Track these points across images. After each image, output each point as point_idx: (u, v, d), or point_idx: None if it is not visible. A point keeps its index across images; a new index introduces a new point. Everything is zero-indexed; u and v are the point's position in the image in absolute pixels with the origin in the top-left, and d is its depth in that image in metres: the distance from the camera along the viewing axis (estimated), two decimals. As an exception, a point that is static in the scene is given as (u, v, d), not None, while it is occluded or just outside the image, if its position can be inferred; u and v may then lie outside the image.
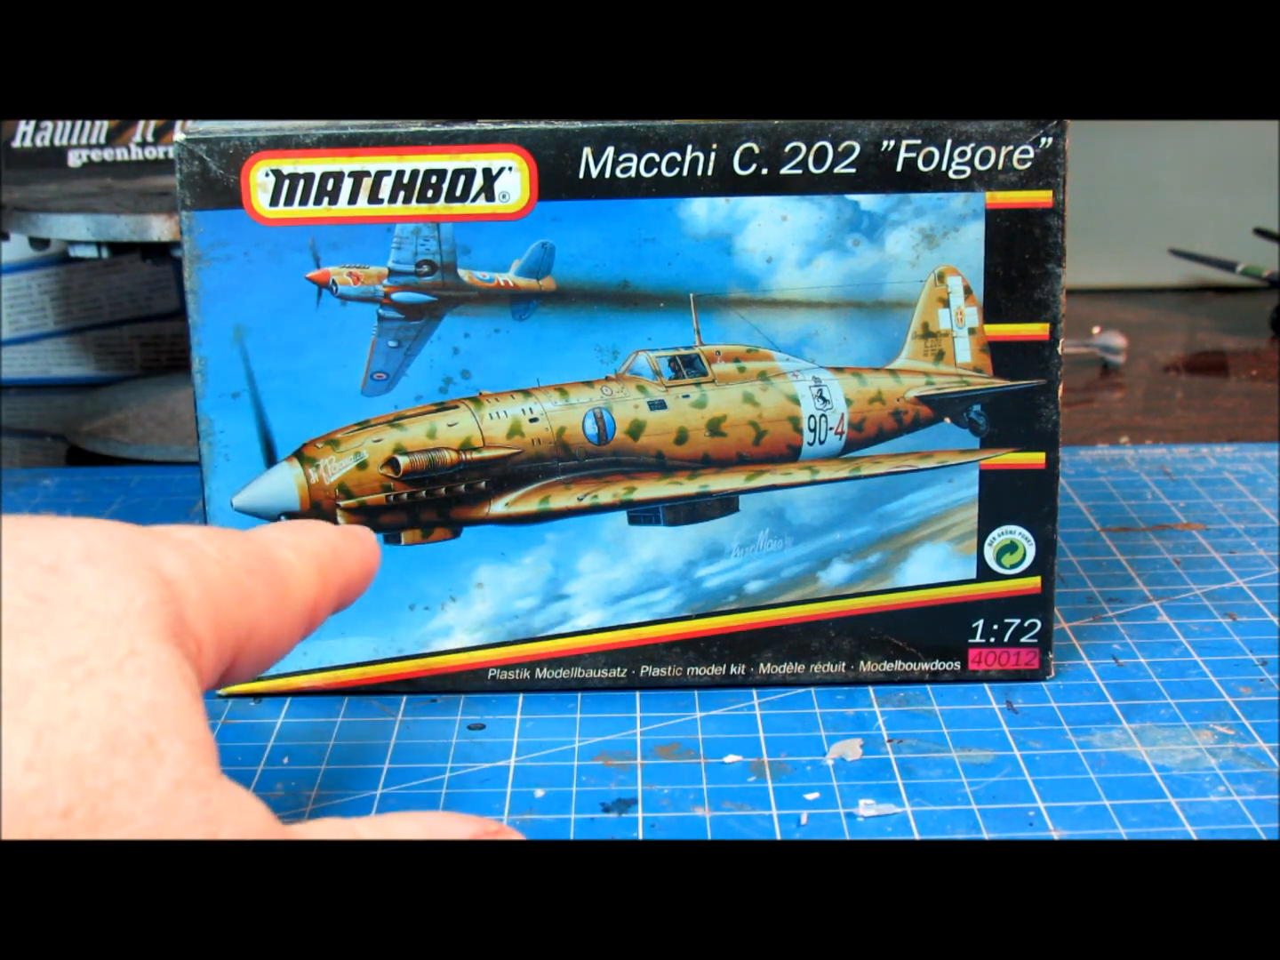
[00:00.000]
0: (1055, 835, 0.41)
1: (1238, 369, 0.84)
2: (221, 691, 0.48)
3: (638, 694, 0.49)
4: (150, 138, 0.78)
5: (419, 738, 0.47)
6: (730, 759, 0.45)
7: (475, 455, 0.47)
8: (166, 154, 0.78)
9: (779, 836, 0.42)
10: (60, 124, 0.77)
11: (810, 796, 0.44)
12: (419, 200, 0.46)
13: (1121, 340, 0.84)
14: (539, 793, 0.44)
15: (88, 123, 0.77)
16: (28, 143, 0.77)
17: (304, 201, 0.45)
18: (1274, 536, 0.59)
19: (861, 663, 0.49)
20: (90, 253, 0.68)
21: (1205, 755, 0.45)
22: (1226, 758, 0.45)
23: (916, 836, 0.42)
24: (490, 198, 0.46)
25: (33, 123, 0.77)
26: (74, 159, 0.77)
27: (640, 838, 0.42)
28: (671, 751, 0.46)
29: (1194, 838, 0.41)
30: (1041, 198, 0.46)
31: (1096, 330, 0.86)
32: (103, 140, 0.78)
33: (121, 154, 0.78)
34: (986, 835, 0.42)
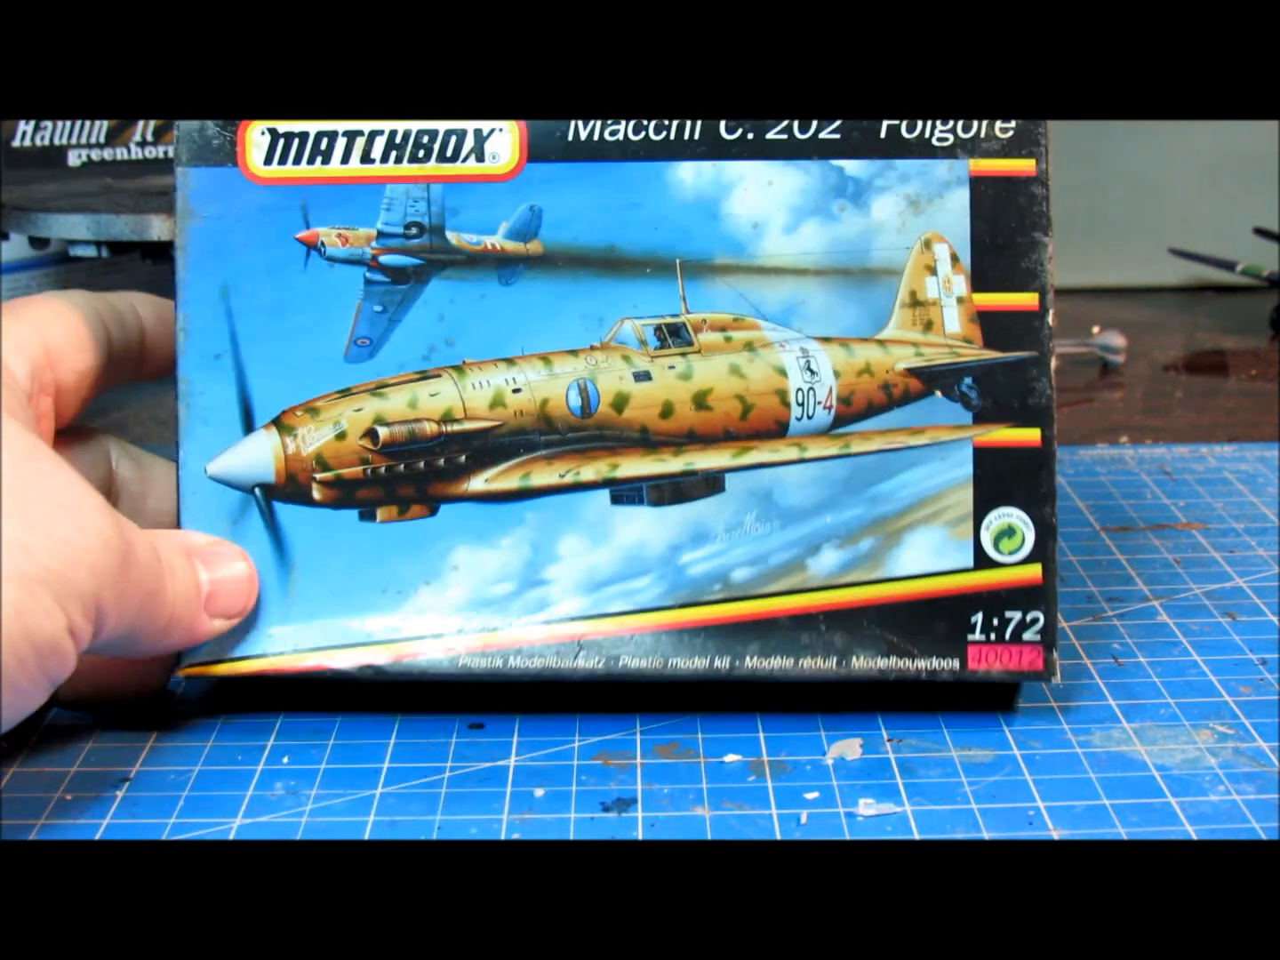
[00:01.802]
0: (1055, 835, 0.41)
1: (1238, 369, 0.84)
2: (181, 670, 0.47)
3: (637, 693, 0.49)
4: (150, 137, 0.78)
5: (418, 737, 0.47)
6: (730, 758, 0.45)
7: (456, 427, 0.46)
8: (166, 154, 0.78)
9: (779, 836, 0.42)
10: (60, 124, 0.77)
11: (810, 796, 0.43)
12: (410, 160, 0.46)
13: (1121, 340, 0.84)
14: (539, 792, 0.44)
15: (88, 123, 0.77)
16: (28, 143, 0.77)
17: (297, 160, 0.46)
18: (1274, 536, 0.59)
19: (854, 659, 0.47)
20: (90, 252, 0.68)
21: (1205, 755, 0.45)
22: (1226, 757, 0.45)
23: (916, 836, 0.42)
24: (480, 159, 0.46)
25: (33, 123, 0.77)
26: (74, 159, 0.77)
27: (640, 837, 0.42)
28: (671, 751, 0.46)
29: (1194, 838, 0.41)
30: (1025, 166, 0.46)
31: (1096, 330, 0.86)
32: (102, 140, 0.78)
33: (121, 154, 0.78)
34: (986, 835, 0.42)
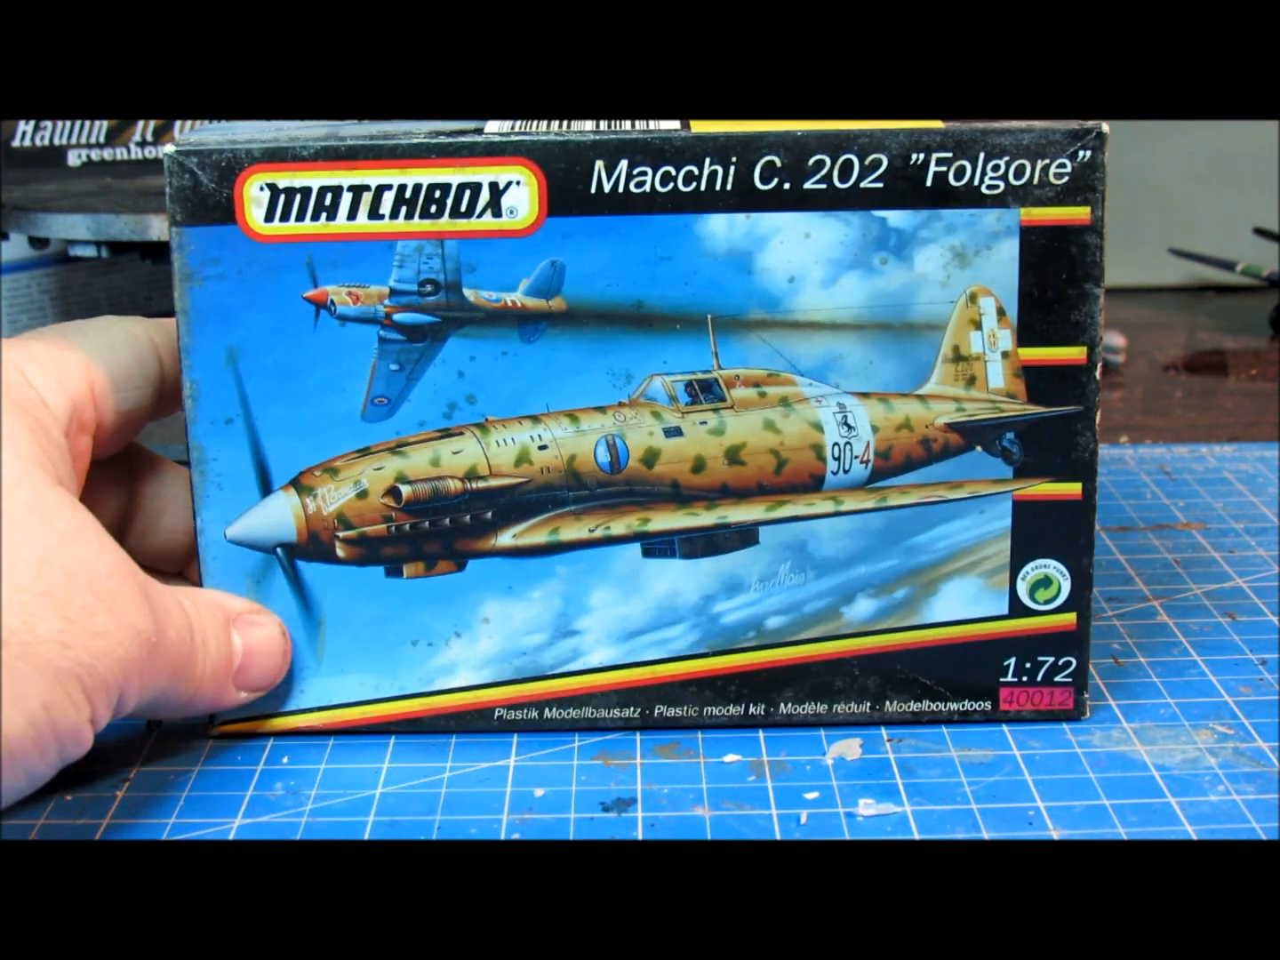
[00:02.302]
0: (1055, 835, 0.41)
1: (1238, 369, 0.84)
2: (214, 729, 0.47)
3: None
4: (150, 137, 0.78)
5: (418, 737, 0.47)
6: (730, 758, 0.45)
7: (481, 484, 0.45)
8: (166, 154, 0.78)
9: (779, 836, 0.42)
10: (60, 124, 0.77)
11: (810, 796, 0.44)
12: (421, 216, 0.44)
13: (1121, 340, 0.84)
14: (539, 792, 0.44)
15: (87, 122, 0.77)
16: (28, 142, 0.77)
17: (300, 217, 0.44)
18: (1274, 536, 0.59)
19: (887, 703, 0.47)
20: (90, 252, 0.68)
21: (1205, 755, 0.45)
22: (1226, 757, 0.45)
23: (916, 836, 0.42)
24: (497, 213, 0.44)
25: (33, 123, 0.77)
26: (74, 159, 0.77)
27: (640, 837, 0.42)
28: (671, 751, 0.46)
29: (1194, 838, 0.41)
30: (1079, 214, 0.44)
31: (1096, 330, 0.86)
32: (102, 140, 0.78)
33: (121, 153, 0.78)
34: (986, 835, 0.42)
